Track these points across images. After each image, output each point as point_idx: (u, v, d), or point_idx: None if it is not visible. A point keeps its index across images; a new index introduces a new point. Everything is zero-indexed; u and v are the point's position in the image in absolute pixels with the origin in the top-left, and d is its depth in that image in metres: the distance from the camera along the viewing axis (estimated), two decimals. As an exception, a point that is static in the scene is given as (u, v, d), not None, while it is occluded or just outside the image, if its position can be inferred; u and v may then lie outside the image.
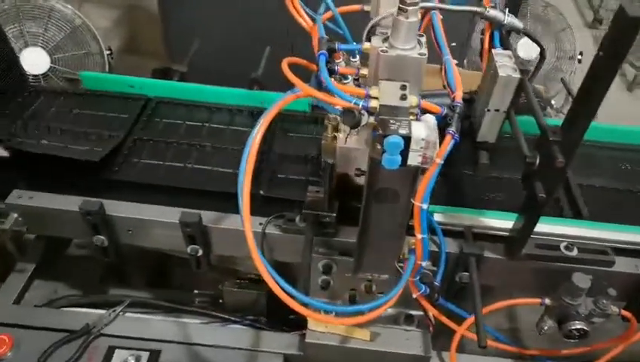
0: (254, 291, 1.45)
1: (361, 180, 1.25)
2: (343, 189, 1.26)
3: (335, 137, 1.25)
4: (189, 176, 1.39)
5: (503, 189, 1.38)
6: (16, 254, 1.61)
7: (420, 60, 0.98)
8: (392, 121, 0.87)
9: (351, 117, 0.94)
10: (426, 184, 0.94)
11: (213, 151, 1.47)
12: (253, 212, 1.24)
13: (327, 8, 1.20)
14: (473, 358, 1.32)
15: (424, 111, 0.94)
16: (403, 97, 0.92)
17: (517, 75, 1.13)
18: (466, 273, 1.22)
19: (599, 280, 1.19)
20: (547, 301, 1.23)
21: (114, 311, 1.36)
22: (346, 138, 1.23)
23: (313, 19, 1.23)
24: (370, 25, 1.22)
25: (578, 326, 1.17)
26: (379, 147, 0.93)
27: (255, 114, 1.65)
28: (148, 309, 1.45)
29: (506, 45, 1.26)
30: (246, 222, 0.94)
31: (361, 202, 1.26)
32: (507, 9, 1.26)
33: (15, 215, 1.28)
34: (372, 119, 0.94)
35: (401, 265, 1.14)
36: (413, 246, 1.09)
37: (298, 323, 1.44)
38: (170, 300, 1.48)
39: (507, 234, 1.23)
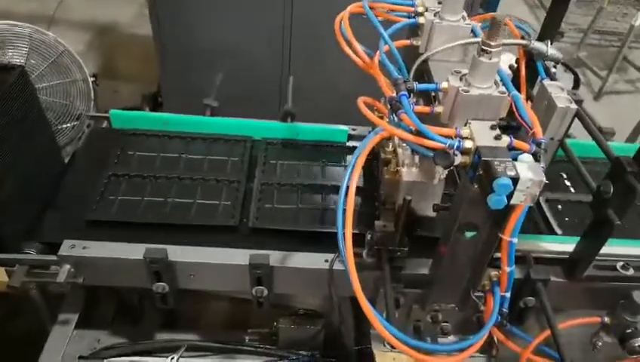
0: (312, 326, 1.44)
1: (425, 211, 1.28)
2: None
3: (397, 171, 1.27)
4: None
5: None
6: (43, 307, 1.54)
7: (502, 99, 1.02)
8: (496, 163, 0.89)
9: (445, 158, 0.95)
10: (516, 219, 0.97)
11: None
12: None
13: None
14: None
15: (514, 148, 0.97)
16: (497, 137, 0.95)
17: (574, 106, 1.18)
18: (531, 298, 1.26)
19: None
20: (606, 319, 1.29)
21: (172, 358, 1.32)
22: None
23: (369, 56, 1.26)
24: (421, 59, 1.26)
25: (642, 343, 1.23)
26: (475, 187, 0.96)
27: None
28: (201, 352, 1.42)
29: (551, 76, 1.31)
30: (350, 264, 0.94)
31: (421, 232, 1.30)
32: (549, 41, 1.32)
33: (68, 266, 1.22)
34: (464, 158, 0.97)
35: (478, 294, 1.17)
36: (495, 279, 1.12)
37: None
38: (221, 341, 1.44)
39: (565, 257, 1.28)
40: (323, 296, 1.42)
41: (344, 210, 0.95)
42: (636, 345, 1.23)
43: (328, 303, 1.38)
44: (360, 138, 1.66)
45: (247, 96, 2.59)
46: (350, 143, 1.67)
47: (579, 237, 1.25)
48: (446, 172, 1.15)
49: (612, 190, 1.06)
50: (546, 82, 1.26)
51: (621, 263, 1.27)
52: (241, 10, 2.66)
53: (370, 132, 1.64)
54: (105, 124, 1.65)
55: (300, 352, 1.45)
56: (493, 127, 0.98)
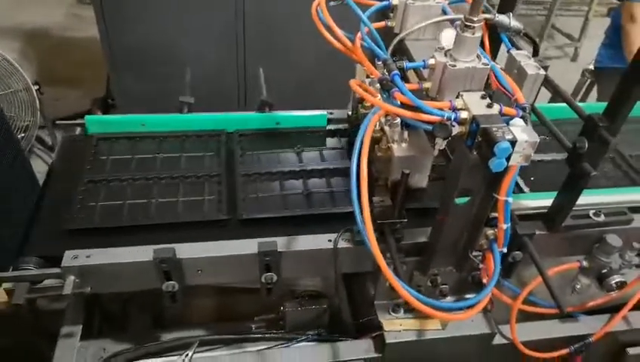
0: (318, 306, 1.48)
1: (418, 183, 1.35)
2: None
3: (389, 148, 1.33)
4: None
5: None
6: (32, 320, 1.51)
7: (486, 70, 1.10)
8: (494, 129, 0.97)
9: (444, 130, 1.02)
10: (510, 179, 1.06)
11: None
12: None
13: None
14: (528, 325, 1.47)
15: (504, 115, 1.05)
16: (490, 106, 1.03)
17: (543, 72, 1.29)
18: (518, 252, 1.37)
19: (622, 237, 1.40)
20: (585, 263, 1.42)
21: (187, 354, 1.33)
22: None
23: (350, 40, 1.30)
24: (397, 39, 1.32)
25: (618, 280, 1.37)
26: (474, 153, 1.03)
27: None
28: (210, 346, 1.43)
29: (516, 46, 1.41)
30: (370, 235, 0.99)
31: (413, 203, 1.37)
32: (510, 13, 1.42)
33: (73, 277, 1.20)
34: (461, 128, 1.04)
35: (475, 254, 1.26)
36: (492, 237, 1.21)
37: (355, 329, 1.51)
38: (230, 332, 1.47)
39: (544, 211, 1.40)
40: (326, 276, 1.48)
41: (358, 187, 1.00)
42: (612, 282, 1.37)
43: (332, 282, 1.43)
44: (339, 121, 1.71)
45: (206, 92, 2.57)
46: (330, 127, 1.71)
47: (554, 193, 1.37)
48: (445, 143, 1.22)
49: (587, 145, 1.17)
50: (514, 52, 1.35)
51: (593, 211, 1.40)
52: (190, 5, 2.62)
53: (348, 114, 1.71)
54: (78, 131, 1.61)
55: (308, 332, 1.49)
56: (483, 97, 1.05)
